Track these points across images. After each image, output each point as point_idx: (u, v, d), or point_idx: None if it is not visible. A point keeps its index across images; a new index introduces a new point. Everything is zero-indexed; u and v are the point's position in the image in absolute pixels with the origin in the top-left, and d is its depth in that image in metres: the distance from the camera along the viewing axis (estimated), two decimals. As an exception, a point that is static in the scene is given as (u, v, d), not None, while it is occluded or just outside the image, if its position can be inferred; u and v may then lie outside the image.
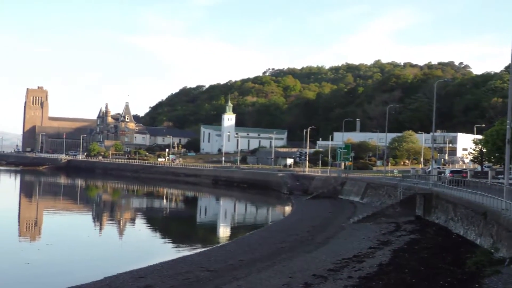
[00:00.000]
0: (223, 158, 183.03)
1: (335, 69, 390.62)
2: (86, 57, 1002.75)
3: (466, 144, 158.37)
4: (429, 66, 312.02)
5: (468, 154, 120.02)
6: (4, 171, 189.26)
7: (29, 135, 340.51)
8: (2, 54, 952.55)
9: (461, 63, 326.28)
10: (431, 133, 75.22)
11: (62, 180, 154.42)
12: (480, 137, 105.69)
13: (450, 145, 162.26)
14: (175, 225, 69.49)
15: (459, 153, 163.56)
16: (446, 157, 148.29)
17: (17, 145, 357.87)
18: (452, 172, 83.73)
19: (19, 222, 65.46)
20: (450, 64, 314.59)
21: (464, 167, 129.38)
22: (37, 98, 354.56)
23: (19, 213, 76.17)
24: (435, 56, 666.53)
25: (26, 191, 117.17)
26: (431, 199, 53.88)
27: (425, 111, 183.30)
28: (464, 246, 36.51)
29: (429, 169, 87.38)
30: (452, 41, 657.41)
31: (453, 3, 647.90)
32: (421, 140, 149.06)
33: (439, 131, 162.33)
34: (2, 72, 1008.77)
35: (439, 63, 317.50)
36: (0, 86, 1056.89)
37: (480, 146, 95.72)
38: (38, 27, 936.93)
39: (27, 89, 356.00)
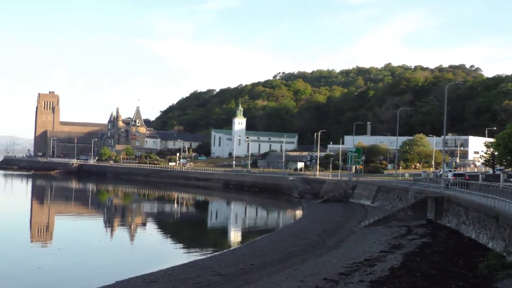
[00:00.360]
0: (234, 162, 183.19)
1: (345, 73, 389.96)
2: (97, 62, 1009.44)
3: (477, 147, 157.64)
4: (440, 69, 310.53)
5: (480, 157, 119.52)
6: (16, 175, 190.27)
7: (41, 139, 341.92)
8: (15, 59, 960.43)
9: (472, 65, 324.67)
10: (442, 136, 75.05)
11: (74, 184, 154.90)
12: (491, 140, 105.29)
13: (462, 148, 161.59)
14: (186, 229, 69.53)
15: (471, 156, 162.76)
16: (458, 160, 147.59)
17: (28, 150, 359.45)
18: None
19: (30, 226, 65.69)
20: (461, 67, 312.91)
21: (475, 170, 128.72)
22: (48, 102, 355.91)
23: (30, 217, 76.57)
24: (446, 59, 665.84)
25: (38, 195, 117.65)
26: (442, 203, 53.62)
27: (436, 114, 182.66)
28: (476, 249, 36.33)
29: (441, 173, 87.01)
30: (463, 43, 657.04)
31: (463, 6, 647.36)
32: (432, 143, 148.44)
33: (450, 134, 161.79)
34: (15, 77, 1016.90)
35: (450, 66, 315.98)
36: (13, 91, 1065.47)
37: (491, 149, 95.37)
38: (44, 29, 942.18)
39: (39, 94, 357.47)
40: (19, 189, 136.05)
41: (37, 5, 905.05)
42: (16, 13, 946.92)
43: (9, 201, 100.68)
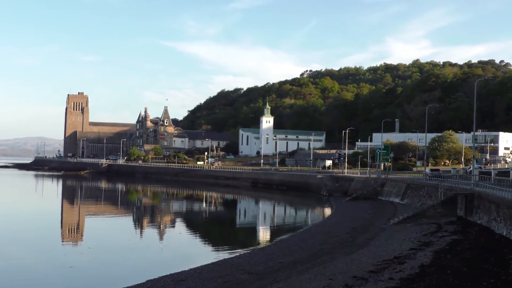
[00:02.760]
0: (262, 161, 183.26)
1: (373, 70, 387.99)
2: (126, 63, 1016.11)
3: (508, 143, 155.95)
4: (469, 64, 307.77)
5: (510, 153, 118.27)
6: (46, 176, 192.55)
7: (70, 140, 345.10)
8: (45, 60, 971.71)
9: (501, 61, 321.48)
10: (472, 133, 74.26)
11: (103, 184, 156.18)
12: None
13: (492, 144, 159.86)
14: (215, 228, 69.70)
15: (501, 152, 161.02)
16: (488, 157, 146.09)
17: (58, 151, 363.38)
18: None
19: (61, 226, 66.44)
20: (491, 63, 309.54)
21: (506, 166, 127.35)
22: (77, 103, 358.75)
23: (61, 217, 77.53)
24: (475, 54, 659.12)
25: (68, 195, 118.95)
26: (473, 199, 53.07)
27: (466, 111, 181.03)
28: (508, 246, 35.85)
29: (470, 169, 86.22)
30: (492, 39, 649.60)
31: (491, 0, 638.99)
32: (462, 139, 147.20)
33: (480, 130, 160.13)
34: (44, 78, 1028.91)
35: (479, 62, 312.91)
36: (42, 92, 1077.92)
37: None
38: (74, 31, 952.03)
39: (68, 95, 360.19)
40: (50, 190, 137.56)
41: (67, 8, 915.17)
42: (45, 15, 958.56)
43: (40, 202, 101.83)
